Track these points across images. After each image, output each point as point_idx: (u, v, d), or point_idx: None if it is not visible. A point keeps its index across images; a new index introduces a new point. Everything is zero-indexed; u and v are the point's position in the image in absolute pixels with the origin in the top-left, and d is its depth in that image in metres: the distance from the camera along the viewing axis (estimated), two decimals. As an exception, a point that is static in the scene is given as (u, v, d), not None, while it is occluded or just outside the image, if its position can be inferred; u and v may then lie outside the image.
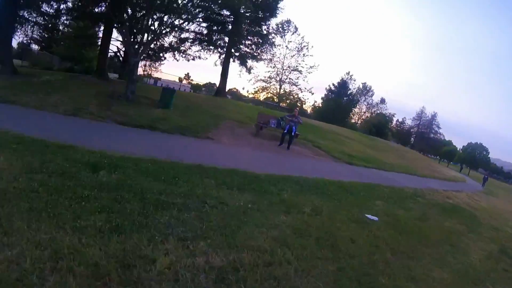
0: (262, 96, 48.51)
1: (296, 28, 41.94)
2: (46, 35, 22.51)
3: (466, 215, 8.89)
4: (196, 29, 24.47)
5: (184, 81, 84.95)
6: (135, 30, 13.18)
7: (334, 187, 6.61)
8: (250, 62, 29.04)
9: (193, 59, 26.37)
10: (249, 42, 26.98)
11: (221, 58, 26.66)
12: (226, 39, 25.17)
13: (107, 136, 7.32)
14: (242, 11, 22.51)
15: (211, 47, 25.52)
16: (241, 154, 8.65)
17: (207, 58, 27.03)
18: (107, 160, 4.74)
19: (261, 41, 26.64)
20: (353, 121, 67.48)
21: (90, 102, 10.50)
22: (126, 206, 3.35)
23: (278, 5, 23.68)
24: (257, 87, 45.57)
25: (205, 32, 24.68)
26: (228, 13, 23.76)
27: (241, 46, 26.81)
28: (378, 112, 70.88)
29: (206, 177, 4.94)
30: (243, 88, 57.45)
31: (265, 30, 26.16)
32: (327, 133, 22.04)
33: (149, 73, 44.54)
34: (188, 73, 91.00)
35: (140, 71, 32.33)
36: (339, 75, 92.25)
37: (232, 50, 26.30)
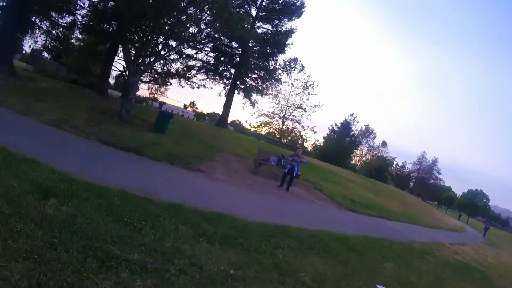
0: (264, 130, 48.06)
1: (302, 67, 42.47)
2: (58, 45, 22.63)
3: (479, 277, 8.56)
4: (204, 58, 24.60)
5: (189, 108, 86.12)
6: (135, 50, 12.81)
7: (339, 245, 5.53)
8: (254, 96, 28.93)
9: (198, 87, 26.26)
10: (256, 75, 26.94)
11: (226, 89, 26.55)
12: (233, 70, 25.16)
13: (82, 155, 6.46)
14: (251, 45, 22.64)
15: (217, 77, 25.44)
16: (234, 194, 7.65)
17: (212, 88, 26.85)
18: (65, 185, 3.84)
19: (267, 75, 26.57)
20: (353, 162, 66.83)
21: (79, 116, 9.79)
22: (61, 256, 2.40)
23: (287, 42, 23.84)
24: (259, 121, 45.24)
25: (212, 61, 24.78)
26: (236, 45, 23.95)
27: (247, 79, 26.74)
28: (379, 155, 70.50)
29: (182, 223, 3.94)
30: (246, 121, 57.11)
31: (272, 65, 26.17)
32: (329, 174, 21.09)
33: (155, 96, 44.76)
34: (193, 101, 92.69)
35: (146, 93, 32.53)
36: (342, 116, 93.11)
37: (238, 82, 26.23)
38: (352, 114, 58.35)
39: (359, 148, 66.73)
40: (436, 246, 10.54)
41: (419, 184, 72.53)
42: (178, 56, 24.84)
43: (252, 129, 48.61)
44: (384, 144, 71.57)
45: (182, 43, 14.67)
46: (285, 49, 24.49)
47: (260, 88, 27.95)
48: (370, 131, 67.43)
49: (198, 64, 23.67)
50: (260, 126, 46.22)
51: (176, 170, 7.86)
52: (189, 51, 24.04)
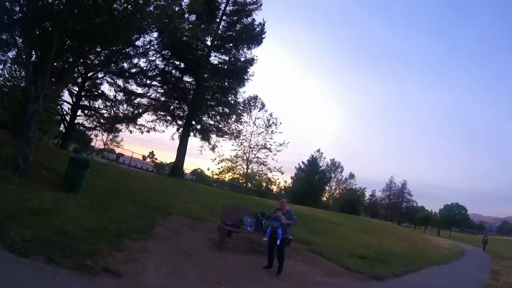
0: (227, 176, 43.31)
1: (263, 104, 40.24)
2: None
3: None
4: (152, 95, 20.86)
5: (148, 159, 79.67)
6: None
7: None
8: (214, 138, 25.29)
9: (148, 131, 22.28)
10: (214, 112, 23.50)
11: (180, 131, 22.62)
12: (186, 108, 21.51)
13: None
14: (206, 76, 19.48)
15: (168, 117, 21.64)
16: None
17: (164, 131, 23.02)
18: None
19: (227, 111, 23.23)
20: (323, 199, 64.14)
21: None
22: None
23: (248, 71, 20.91)
24: (222, 167, 40.87)
25: (162, 99, 21.06)
26: (189, 79, 20.68)
27: (204, 117, 23.15)
28: (348, 188, 68.93)
29: None
30: (208, 169, 51.80)
31: (232, 100, 22.98)
32: (313, 222, 17.36)
33: (110, 147, 39.58)
34: (152, 151, 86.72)
35: (101, 144, 28.05)
36: (308, 153, 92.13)
37: (193, 122, 22.46)
38: (319, 149, 56.78)
39: (328, 184, 64.63)
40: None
41: (391, 210, 71.56)
42: (124, 95, 21.09)
43: (215, 177, 43.68)
44: (351, 176, 70.26)
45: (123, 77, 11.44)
46: (245, 81, 21.55)
47: (219, 127, 24.41)
48: (337, 165, 66.31)
49: (145, 101, 19.87)
50: (223, 173, 41.66)
51: (48, 283, 3.53)
52: (135, 88, 20.52)
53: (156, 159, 77.55)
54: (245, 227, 6.81)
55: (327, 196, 68.61)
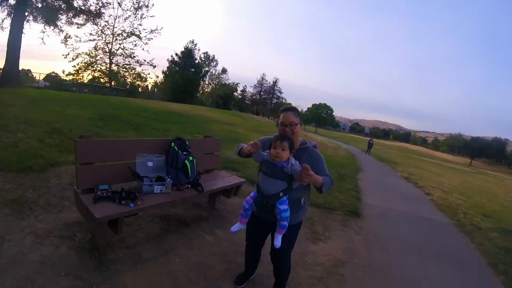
0: (86, 76, 32.34)
1: None
2: None
3: None
4: None
5: None
6: None
7: None
8: (63, 20, 16.41)
9: None
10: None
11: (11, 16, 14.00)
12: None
13: None
14: None
15: None
16: None
17: None
18: None
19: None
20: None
21: None
22: None
23: None
24: (78, 64, 30.01)
25: None
26: None
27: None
28: (222, 83, 67.29)
29: None
30: (63, 72, 36.68)
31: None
32: (203, 123, 14.10)
33: None
34: None
35: None
36: (180, 44, 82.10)
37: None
38: (193, 41, 49.91)
39: (203, 79, 60.66)
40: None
41: (262, 106, 76.41)
42: None
43: (71, 79, 32.09)
44: (224, 71, 67.84)
45: None
46: None
47: (70, 3, 15.62)
48: (211, 58, 61.68)
49: None
50: (81, 71, 30.90)
51: None
52: None
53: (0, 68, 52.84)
54: (146, 185, 2.76)
55: (201, 92, 65.67)
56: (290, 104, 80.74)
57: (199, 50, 50.89)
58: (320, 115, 75.69)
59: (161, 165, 3.07)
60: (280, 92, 78.69)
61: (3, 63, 15.55)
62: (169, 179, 2.93)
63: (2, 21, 15.60)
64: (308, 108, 79.51)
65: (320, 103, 77.76)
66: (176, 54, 47.53)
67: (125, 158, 2.97)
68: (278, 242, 2.01)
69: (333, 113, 79.30)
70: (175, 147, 3.09)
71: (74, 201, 2.79)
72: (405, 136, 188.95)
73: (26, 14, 15.18)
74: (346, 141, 42.51)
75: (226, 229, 3.44)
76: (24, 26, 15.05)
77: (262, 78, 76.83)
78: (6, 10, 15.26)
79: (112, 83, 34.45)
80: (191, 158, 3.09)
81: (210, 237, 3.24)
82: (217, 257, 2.86)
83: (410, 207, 6.85)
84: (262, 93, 77.36)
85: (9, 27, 14.90)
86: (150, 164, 3.01)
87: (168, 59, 47.97)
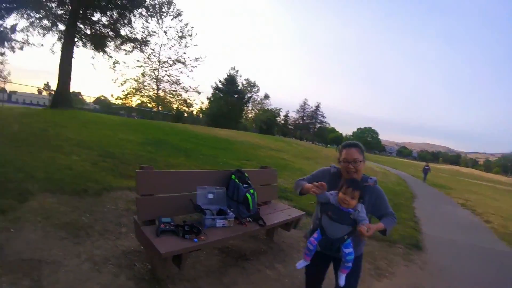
0: (134, 101, 34.93)
1: (178, 13, 31.53)
2: None
3: None
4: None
5: (44, 93, 64.33)
6: None
7: None
8: (112, 46, 18.15)
9: (21, 48, 14.90)
10: (110, 13, 16.20)
11: (62, 40, 15.48)
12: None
13: None
14: None
15: (45, 20, 14.13)
16: None
17: (42, 45, 15.89)
18: None
19: (128, 5, 16.13)
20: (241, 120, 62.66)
21: None
22: None
23: None
24: (126, 89, 32.74)
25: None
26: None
27: (94, 16, 15.85)
28: (264, 108, 68.51)
29: None
30: (112, 95, 40.69)
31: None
32: (251, 149, 14.22)
33: None
34: (47, 83, 70.85)
35: None
36: (223, 72, 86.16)
37: (80, 24, 15.22)
38: (234, 67, 52.20)
39: (246, 105, 62.44)
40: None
41: (305, 131, 76.03)
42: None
43: (120, 102, 34.87)
44: (266, 96, 69.54)
45: None
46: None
47: (117, 30, 17.34)
48: (252, 84, 63.68)
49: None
50: (129, 96, 33.62)
51: None
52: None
53: (53, 90, 61.88)
54: (208, 219, 2.76)
55: (244, 117, 67.39)
56: (334, 128, 79.65)
57: (241, 76, 52.84)
58: (366, 139, 73.06)
59: (221, 198, 3.06)
60: (323, 117, 78.05)
61: (55, 85, 17.05)
62: (231, 212, 2.90)
63: (53, 45, 17.35)
64: (353, 132, 77.40)
65: (365, 127, 75.30)
66: (220, 81, 49.71)
67: (185, 190, 2.98)
68: (342, 281, 1.95)
69: (378, 137, 76.04)
70: (236, 180, 3.08)
71: (133, 229, 2.82)
72: (455, 158, 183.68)
73: (76, 39, 16.50)
74: (394, 166, 40.01)
75: (286, 263, 3.30)
76: (74, 51, 16.21)
77: (304, 103, 77.11)
78: (56, 35, 16.91)
79: (159, 108, 36.60)
80: (252, 191, 3.05)
81: (271, 272, 3.11)
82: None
83: (471, 237, 6.47)
84: (304, 118, 77.20)
85: (59, 52, 16.13)
86: (210, 196, 3.01)
87: (212, 86, 50.29)
